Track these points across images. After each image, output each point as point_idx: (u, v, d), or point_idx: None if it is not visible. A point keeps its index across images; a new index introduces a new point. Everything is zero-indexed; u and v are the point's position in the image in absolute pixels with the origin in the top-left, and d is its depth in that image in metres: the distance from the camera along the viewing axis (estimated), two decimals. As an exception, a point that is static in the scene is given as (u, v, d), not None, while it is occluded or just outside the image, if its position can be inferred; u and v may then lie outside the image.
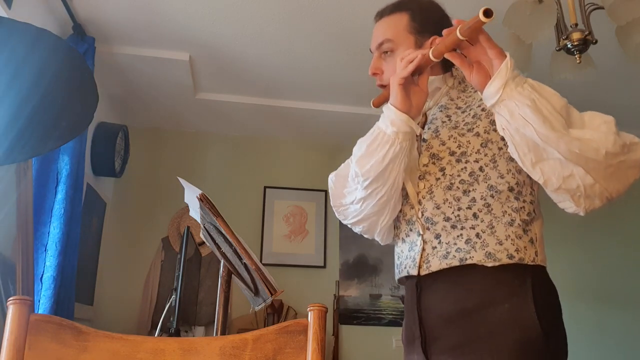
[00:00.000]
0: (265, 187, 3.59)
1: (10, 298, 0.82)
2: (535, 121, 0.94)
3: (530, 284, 1.04)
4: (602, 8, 1.80)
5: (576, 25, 1.77)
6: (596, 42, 1.78)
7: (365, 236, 1.31)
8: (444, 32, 1.05)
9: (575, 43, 1.76)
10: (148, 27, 2.51)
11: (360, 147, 1.16)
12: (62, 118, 1.67)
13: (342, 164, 1.30)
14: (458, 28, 0.97)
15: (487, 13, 0.91)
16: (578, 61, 1.79)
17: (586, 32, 1.76)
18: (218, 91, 3.15)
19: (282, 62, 2.79)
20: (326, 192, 3.61)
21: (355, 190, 1.20)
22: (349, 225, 1.30)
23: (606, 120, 0.99)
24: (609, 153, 0.95)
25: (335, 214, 1.33)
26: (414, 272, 1.12)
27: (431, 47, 1.12)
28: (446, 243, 1.09)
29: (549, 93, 0.98)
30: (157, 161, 3.53)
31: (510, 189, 1.08)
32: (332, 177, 1.31)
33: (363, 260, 3.55)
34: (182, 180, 1.33)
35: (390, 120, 1.09)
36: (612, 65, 2.67)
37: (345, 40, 2.56)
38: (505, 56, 0.98)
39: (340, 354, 3.29)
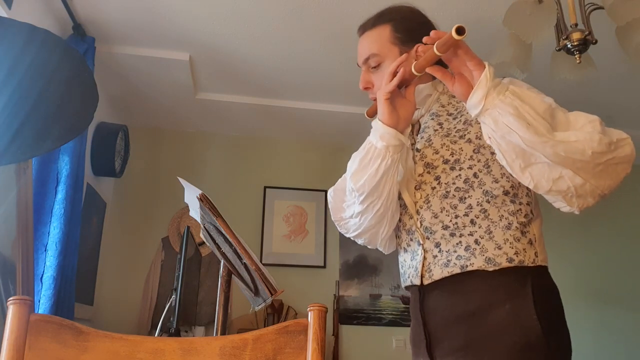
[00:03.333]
0: (265, 187, 3.59)
1: (10, 298, 0.82)
2: (519, 128, 0.95)
3: (530, 286, 1.05)
4: (602, 8, 1.80)
5: (576, 25, 1.77)
6: (596, 42, 1.78)
7: (369, 247, 1.33)
8: (421, 47, 1.08)
9: (575, 43, 1.76)
10: (148, 27, 2.51)
11: (353, 162, 1.18)
12: (61, 118, 1.67)
13: (340, 179, 1.32)
14: (435, 44, 0.99)
15: (460, 31, 0.93)
16: (578, 61, 1.79)
17: (586, 32, 1.75)
18: (218, 91, 3.15)
19: (282, 62, 2.79)
20: (326, 192, 3.61)
21: (353, 205, 1.22)
22: (352, 238, 1.33)
23: (591, 120, 0.99)
24: (595, 152, 0.95)
25: (337, 227, 1.35)
26: (417, 282, 1.15)
27: (417, 56, 1.15)
28: (446, 251, 1.11)
29: (531, 97, 0.98)
30: (157, 161, 3.53)
31: (506, 193, 1.10)
32: (330, 192, 1.34)
33: (363, 260, 3.55)
34: (182, 180, 1.33)
35: (380, 135, 1.11)
36: (612, 65, 2.67)
37: (345, 40, 2.56)
38: (485, 66, 0.99)
39: (340, 354, 3.29)
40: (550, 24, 1.77)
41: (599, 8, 1.83)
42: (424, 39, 1.03)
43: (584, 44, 1.76)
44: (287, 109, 3.27)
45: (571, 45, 1.77)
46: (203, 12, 2.40)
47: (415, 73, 1.07)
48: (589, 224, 3.64)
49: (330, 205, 1.34)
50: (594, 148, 0.95)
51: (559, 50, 1.83)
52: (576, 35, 1.75)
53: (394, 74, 1.10)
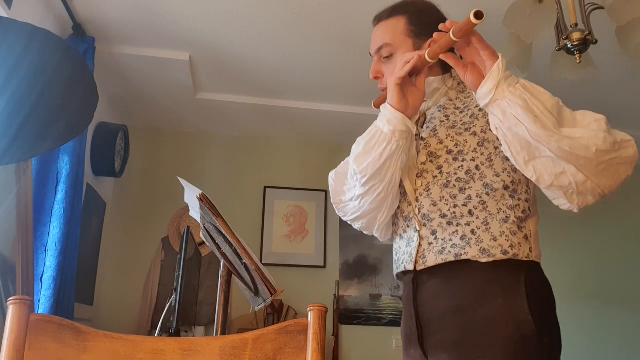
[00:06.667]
0: (265, 187, 3.59)
1: (10, 298, 0.82)
2: (527, 120, 0.97)
3: (523, 280, 1.06)
4: (602, 8, 1.80)
5: (576, 25, 1.77)
6: (596, 42, 1.78)
7: (365, 232, 1.33)
8: (436, 34, 1.07)
9: (575, 43, 1.76)
10: (148, 27, 2.51)
11: (358, 145, 1.18)
12: (61, 118, 1.67)
13: (342, 162, 1.32)
14: (451, 30, 1.00)
15: (478, 15, 0.94)
16: (578, 61, 1.79)
17: (586, 32, 1.76)
18: (218, 91, 3.15)
19: (282, 62, 2.79)
20: (326, 192, 3.61)
21: (354, 188, 1.22)
22: (349, 222, 1.32)
23: (597, 119, 1.01)
24: (600, 150, 0.97)
25: (335, 210, 1.35)
26: (410, 267, 1.15)
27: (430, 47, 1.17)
28: (442, 239, 1.11)
29: (540, 92, 1.00)
30: (157, 161, 3.53)
31: (506, 187, 1.11)
32: (332, 174, 1.34)
33: (363, 260, 3.55)
34: (182, 180, 1.33)
35: (387, 119, 1.11)
36: (612, 65, 2.67)
37: (345, 40, 2.56)
38: (498, 57, 1.00)
39: (340, 354, 3.29)
40: (550, 24, 1.77)
41: (599, 8, 1.83)
42: (440, 26, 1.04)
43: (584, 44, 1.76)
44: (287, 109, 3.27)
45: (571, 45, 1.77)
46: (203, 12, 2.40)
47: (429, 60, 1.08)
48: (588, 224, 3.64)
49: (330, 188, 1.33)
50: (598, 146, 0.97)
51: (559, 50, 1.84)
52: (576, 35, 1.75)
53: (407, 61, 1.11)
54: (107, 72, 2.81)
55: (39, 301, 2.02)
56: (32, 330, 0.80)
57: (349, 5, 2.32)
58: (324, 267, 3.49)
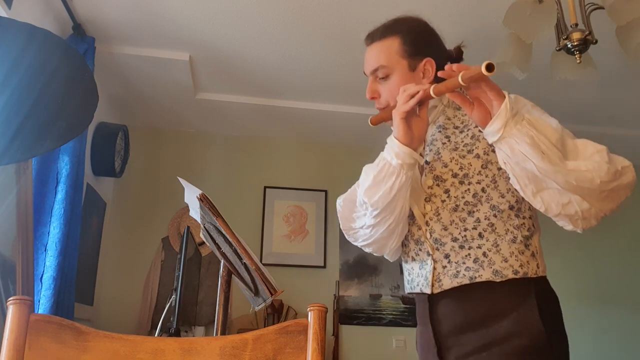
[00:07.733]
0: (265, 187, 3.59)
1: (10, 298, 0.82)
2: (534, 156, 1.01)
3: (534, 295, 1.12)
4: (602, 8, 1.81)
5: (576, 25, 1.77)
6: (596, 42, 1.78)
7: (375, 254, 1.36)
8: (442, 73, 1.07)
9: (575, 43, 1.76)
10: (148, 27, 2.51)
11: (367, 177, 1.21)
12: (61, 118, 1.67)
13: (350, 189, 1.35)
14: (460, 74, 1.02)
15: (489, 68, 0.96)
16: (578, 61, 1.79)
17: (586, 32, 1.76)
18: (218, 91, 3.15)
19: (282, 62, 2.79)
20: (326, 192, 3.62)
21: (364, 216, 1.25)
22: (359, 247, 1.36)
23: (599, 150, 1.07)
24: (603, 181, 1.03)
25: (345, 236, 1.38)
26: (427, 291, 1.19)
27: (424, 69, 1.25)
28: (455, 262, 1.16)
29: (545, 127, 1.04)
30: (157, 161, 3.53)
31: (511, 207, 1.16)
32: (339, 201, 1.37)
33: (363, 260, 3.55)
34: (182, 180, 1.33)
35: (395, 153, 1.15)
36: (612, 65, 2.67)
37: (345, 40, 2.56)
38: (504, 97, 1.04)
39: (340, 354, 3.29)
40: (550, 24, 1.77)
41: (599, 8, 1.83)
42: (446, 67, 1.06)
43: (584, 44, 1.77)
44: (287, 109, 3.27)
45: (571, 45, 1.77)
46: (203, 12, 2.40)
47: (433, 96, 1.11)
48: (590, 231, 3.62)
49: (339, 215, 1.37)
50: (602, 177, 1.03)
51: (559, 50, 1.84)
52: (576, 35, 1.76)
53: (412, 95, 1.13)
54: (107, 72, 2.81)
55: (39, 301, 2.02)
56: (32, 330, 0.80)
57: (349, 5, 2.32)
58: (324, 267, 3.49)
